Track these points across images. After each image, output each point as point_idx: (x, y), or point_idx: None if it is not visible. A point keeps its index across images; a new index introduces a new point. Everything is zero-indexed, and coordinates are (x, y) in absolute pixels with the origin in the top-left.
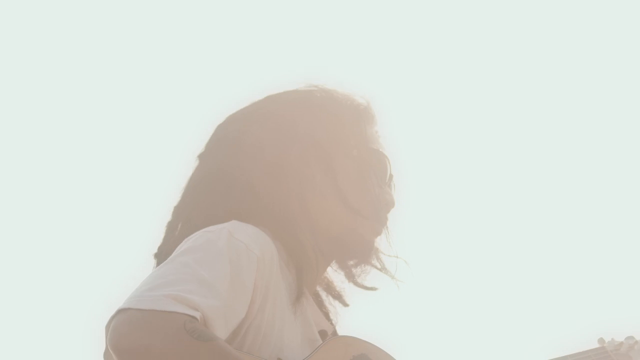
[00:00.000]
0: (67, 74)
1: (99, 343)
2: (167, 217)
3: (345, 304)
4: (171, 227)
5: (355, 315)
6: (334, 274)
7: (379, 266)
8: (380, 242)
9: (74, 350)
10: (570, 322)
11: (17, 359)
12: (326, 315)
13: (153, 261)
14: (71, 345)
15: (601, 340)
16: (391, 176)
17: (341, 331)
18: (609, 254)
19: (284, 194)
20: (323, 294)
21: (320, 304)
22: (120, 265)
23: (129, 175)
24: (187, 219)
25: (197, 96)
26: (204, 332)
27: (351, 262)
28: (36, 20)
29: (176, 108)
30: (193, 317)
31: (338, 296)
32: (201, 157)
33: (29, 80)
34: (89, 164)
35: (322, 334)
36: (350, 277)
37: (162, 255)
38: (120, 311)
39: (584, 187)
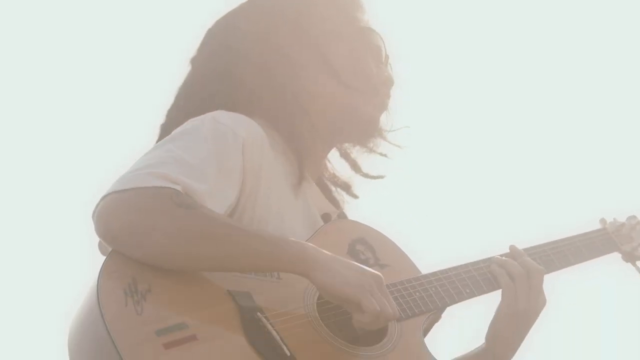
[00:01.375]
0: None
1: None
2: (161, 119)
3: (354, 196)
4: (165, 129)
5: (364, 206)
6: (341, 165)
7: (387, 139)
8: (384, 119)
9: None
10: (572, 203)
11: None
12: (333, 202)
13: None
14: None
15: (603, 221)
16: (387, 56)
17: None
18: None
19: (275, 82)
20: (331, 186)
21: (327, 193)
22: None
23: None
24: (180, 119)
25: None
26: (193, 202)
27: (357, 144)
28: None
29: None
30: (177, 190)
31: (345, 187)
32: (193, 60)
33: None
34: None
35: (326, 217)
36: (356, 168)
37: None
38: (103, 198)
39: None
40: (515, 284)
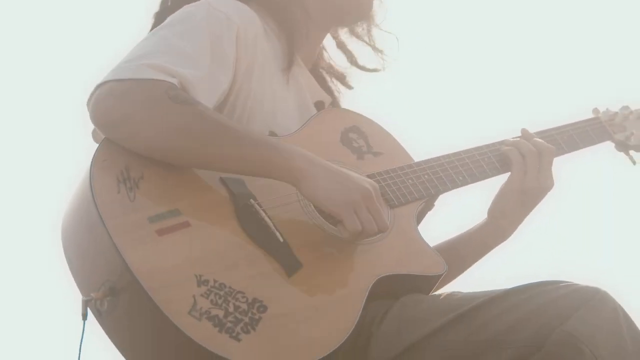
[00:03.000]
0: None
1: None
2: (155, 7)
3: (348, 86)
4: (159, 18)
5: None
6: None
7: (382, 28)
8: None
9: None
10: (565, 93)
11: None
12: (327, 90)
13: None
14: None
15: (596, 111)
16: None
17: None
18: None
19: None
20: (327, 75)
21: (322, 82)
22: None
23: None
24: (173, 7)
25: None
26: (187, 97)
27: (347, 27)
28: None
29: None
30: (173, 84)
31: (340, 77)
32: None
33: None
34: None
35: (319, 104)
36: (352, 59)
37: None
38: (99, 85)
39: None
40: (526, 161)
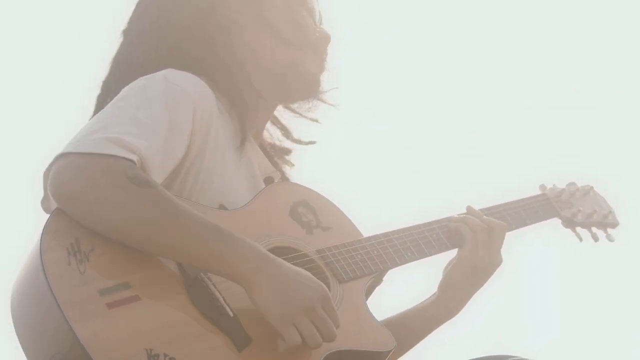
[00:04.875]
0: None
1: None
2: (97, 91)
3: (290, 164)
4: (101, 100)
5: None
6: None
7: (327, 102)
8: (323, 79)
9: None
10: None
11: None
12: (275, 165)
13: None
14: None
15: (543, 187)
16: (321, 15)
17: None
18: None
19: (212, 42)
20: (270, 150)
21: (268, 155)
22: None
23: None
24: (118, 88)
25: None
26: (146, 179)
27: (294, 105)
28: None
29: None
30: (132, 161)
31: (284, 152)
32: (125, 32)
33: None
34: None
35: (268, 180)
36: (287, 134)
37: None
38: (59, 156)
39: None
40: (477, 237)
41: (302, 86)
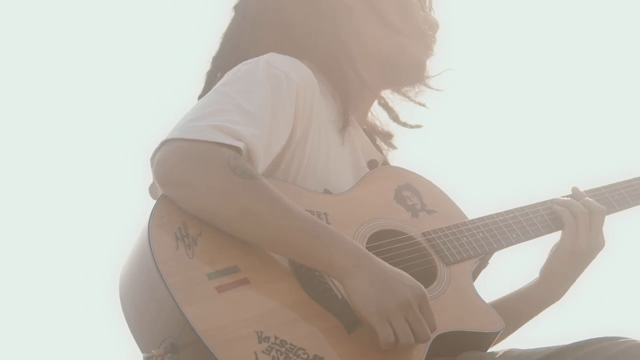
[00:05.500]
0: None
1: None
2: (206, 67)
3: (393, 146)
4: (211, 76)
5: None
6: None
7: (432, 86)
8: (430, 64)
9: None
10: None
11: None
12: (378, 149)
13: None
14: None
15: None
16: (431, 1)
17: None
18: None
19: (321, 26)
20: (373, 133)
21: (371, 139)
22: None
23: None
24: (226, 65)
25: None
26: (248, 169)
27: (400, 90)
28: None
29: None
30: (237, 148)
31: (386, 136)
32: (236, 7)
33: None
34: None
35: (372, 163)
36: (394, 117)
37: None
38: (165, 142)
39: None
40: (578, 222)
41: (407, 72)
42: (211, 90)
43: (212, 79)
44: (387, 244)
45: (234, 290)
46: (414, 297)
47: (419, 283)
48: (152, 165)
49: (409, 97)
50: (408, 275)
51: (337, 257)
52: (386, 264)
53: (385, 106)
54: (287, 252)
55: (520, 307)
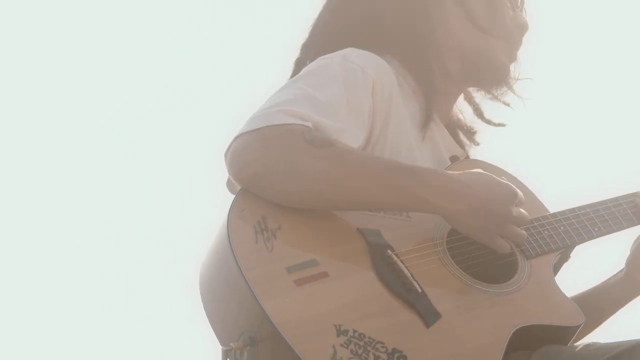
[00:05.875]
0: None
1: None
2: (296, 54)
3: (476, 142)
4: (299, 64)
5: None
6: (465, 111)
7: (514, 90)
8: (514, 67)
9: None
10: None
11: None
12: (460, 144)
13: None
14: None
15: None
16: (522, 0)
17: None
18: None
19: (410, 21)
20: (456, 128)
21: (453, 135)
22: None
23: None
24: (315, 54)
25: None
26: (324, 138)
27: (484, 90)
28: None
29: None
30: (308, 126)
31: (469, 132)
32: None
33: None
34: None
35: (454, 159)
36: (478, 113)
37: None
38: (236, 138)
39: None
40: None
41: (491, 74)
42: (285, 84)
43: (299, 67)
44: (468, 237)
45: (313, 283)
46: (511, 202)
47: (506, 183)
48: (226, 162)
49: (493, 95)
50: (494, 180)
51: (432, 199)
52: (475, 184)
53: (470, 101)
54: (382, 206)
55: (602, 302)
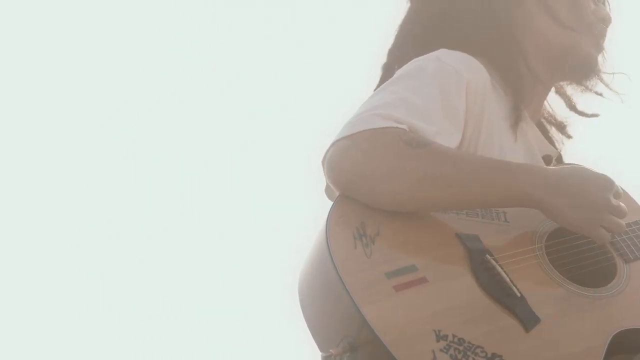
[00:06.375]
0: None
1: (319, 180)
2: (382, 59)
3: (568, 135)
4: (387, 69)
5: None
6: (556, 105)
7: (604, 81)
8: (601, 60)
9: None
10: None
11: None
12: (551, 142)
13: None
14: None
15: None
16: None
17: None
18: None
19: (492, 21)
20: (547, 125)
21: (544, 132)
22: None
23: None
24: (402, 58)
25: None
26: (420, 139)
27: (574, 84)
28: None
29: None
30: (404, 129)
31: (560, 126)
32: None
33: None
34: None
35: (546, 158)
36: (571, 106)
37: None
38: (333, 144)
39: None
40: None
41: (577, 69)
42: (380, 87)
43: (387, 71)
44: (566, 241)
45: (412, 289)
46: (609, 192)
47: (602, 176)
48: (323, 168)
49: (585, 87)
50: (589, 172)
51: (530, 193)
52: (570, 177)
53: (562, 94)
54: (480, 204)
55: None
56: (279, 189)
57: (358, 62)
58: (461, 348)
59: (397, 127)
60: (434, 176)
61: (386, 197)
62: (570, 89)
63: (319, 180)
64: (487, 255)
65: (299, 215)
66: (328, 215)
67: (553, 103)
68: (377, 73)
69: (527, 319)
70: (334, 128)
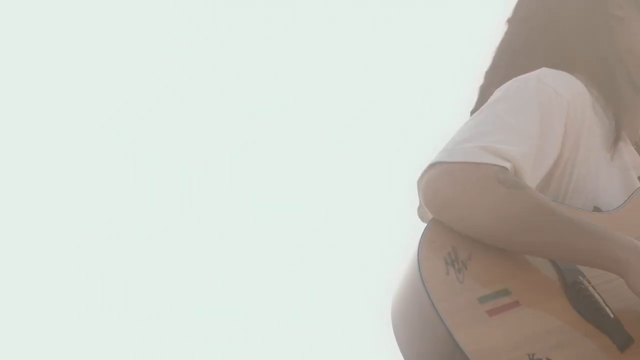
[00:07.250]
0: None
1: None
2: (480, 81)
3: None
4: (484, 90)
5: None
6: None
7: None
8: None
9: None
10: None
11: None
12: None
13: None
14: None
15: None
16: None
17: None
18: None
19: (595, 38)
20: None
21: None
22: None
23: None
24: (500, 80)
25: None
26: (517, 181)
27: None
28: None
29: None
30: (504, 167)
31: None
32: (509, 21)
33: None
34: None
35: None
36: None
37: None
38: (431, 166)
39: None
40: None
41: None
42: (480, 109)
43: (484, 93)
44: None
45: (506, 313)
46: None
47: None
48: (419, 189)
49: None
50: None
51: (619, 253)
52: None
53: None
54: (564, 256)
55: None
56: (279, 189)
57: (358, 62)
58: None
59: (496, 165)
60: (519, 219)
61: (472, 230)
62: None
63: (319, 180)
64: (580, 277)
65: (299, 215)
66: (420, 241)
67: None
68: (475, 94)
69: (621, 340)
70: (334, 128)
